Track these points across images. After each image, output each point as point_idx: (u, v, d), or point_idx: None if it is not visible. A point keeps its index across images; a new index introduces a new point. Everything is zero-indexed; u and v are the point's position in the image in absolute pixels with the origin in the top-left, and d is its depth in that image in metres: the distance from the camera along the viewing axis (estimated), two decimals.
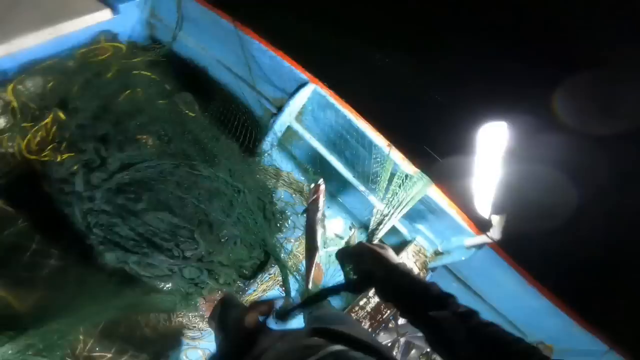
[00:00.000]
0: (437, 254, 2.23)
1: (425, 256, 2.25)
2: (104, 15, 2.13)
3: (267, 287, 2.29)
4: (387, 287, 0.83)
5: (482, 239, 1.84)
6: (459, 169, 1.46)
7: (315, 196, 1.29)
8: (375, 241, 1.53)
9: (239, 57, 1.93)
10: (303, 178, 2.46)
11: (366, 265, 0.88)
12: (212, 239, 1.82)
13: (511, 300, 2.27)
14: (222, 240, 1.90)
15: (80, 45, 2.12)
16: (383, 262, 0.84)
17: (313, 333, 0.88)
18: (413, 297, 0.77)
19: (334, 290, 0.91)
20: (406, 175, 1.77)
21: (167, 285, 1.75)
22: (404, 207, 1.76)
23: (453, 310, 0.73)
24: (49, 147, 1.79)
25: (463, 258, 2.01)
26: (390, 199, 1.80)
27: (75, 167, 1.71)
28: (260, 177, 2.30)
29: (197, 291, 1.80)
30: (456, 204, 1.85)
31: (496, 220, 1.64)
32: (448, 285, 2.49)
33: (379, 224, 1.98)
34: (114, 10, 2.13)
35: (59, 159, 1.73)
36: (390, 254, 0.87)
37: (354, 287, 0.89)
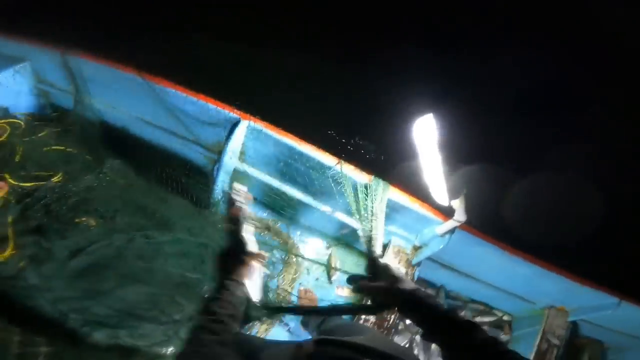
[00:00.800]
0: (416, 248, 2.24)
1: (406, 254, 2.25)
2: None
3: (267, 326, 2.25)
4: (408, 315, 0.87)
5: (451, 223, 1.86)
6: (405, 167, 1.46)
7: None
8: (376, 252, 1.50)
9: (158, 109, 1.83)
10: (266, 214, 2.39)
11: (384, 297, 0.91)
12: (194, 297, 1.82)
13: (502, 273, 2.36)
14: (205, 295, 1.88)
15: None
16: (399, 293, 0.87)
17: (316, 344, 0.90)
18: (436, 322, 0.81)
19: (347, 310, 1.00)
20: (365, 185, 1.75)
21: (170, 349, 1.71)
22: (380, 213, 1.74)
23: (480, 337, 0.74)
24: None
25: (441, 246, 2.02)
26: (362, 212, 1.78)
27: (21, 263, 1.70)
28: (223, 226, 2.24)
29: None
30: (417, 198, 1.86)
31: (456, 204, 1.66)
32: (437, 274, 2.51)
33: (370, 240, 1.95)
34: None
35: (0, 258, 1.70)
36: (406, 284, 0.90)
37: (368, 311, 0.90)
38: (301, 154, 1.82)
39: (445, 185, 1.54)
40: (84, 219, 1.90)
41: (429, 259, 2.39)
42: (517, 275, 2.28)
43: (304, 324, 2.18)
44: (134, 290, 1.76)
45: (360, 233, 1.83)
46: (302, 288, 2.36)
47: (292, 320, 2.24)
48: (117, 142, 2.07)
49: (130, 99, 1.93)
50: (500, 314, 2.73)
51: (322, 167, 1.82)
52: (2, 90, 1.98)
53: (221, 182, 2.09)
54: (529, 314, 2.58)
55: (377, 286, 0.91)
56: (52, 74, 2.07)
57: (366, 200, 1.71)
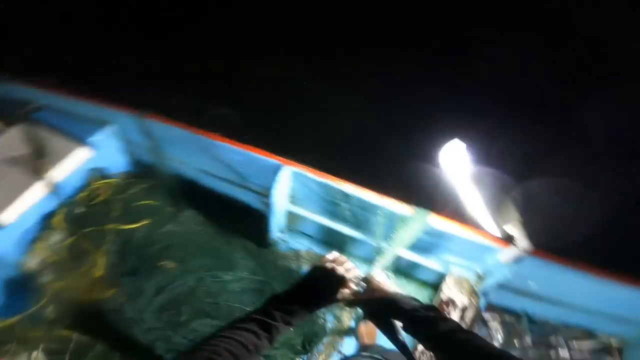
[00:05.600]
0: (481, 277, 2.07)
1: (469, 284, 2.08)
2: (85, 154, 2.28)
3: (326, 356, 2.24)
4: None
5: (512, 250, 1.70)
6: (446, 195, 1.41)
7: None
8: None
9: (215, 162, 2.06)
10: (322, 251, 2.45)
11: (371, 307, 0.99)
12: None
13: (594, 296, 2.04)
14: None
15: (76, 189, 2.36)
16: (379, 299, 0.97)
17: None
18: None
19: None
20: (403, 216, 1.74)
21: None
22: (406, 240, 1.70)
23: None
24: (95, 287, 2.16)
25: (507, 274, 1.84)
26: (393, 239, 1.76)
27: (122, 299, 2.08)
28: (282, 264, 2.39)
29: None
30: (468, 225, 1.76)
31: (511, 229, 1.52)
32: (515, 301, 2.29)
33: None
34: (91, 146, 2.26)
35: (107, 295, 2.12)
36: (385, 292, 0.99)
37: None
38: (342, 193, 1.88)
39: (490, 211, 1.44)
40: (164, 262, 2.23)
41: (501, 286, 2.19)
42: (613, 298, 1.96)
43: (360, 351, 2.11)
44: (204, 322, 2.03)
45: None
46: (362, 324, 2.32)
47: (350, 349, 2.21)
48: (189, 193, 2.40)
49: (193, 154, 2.18)
50: (605, 339, 2.32)
51: (362, 203, 1.85)
52: (100, 153, 2.33)
53: (276, 224, 2.24)
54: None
55: (358, 298, 1.01)
56: (133, 135, 2.30)
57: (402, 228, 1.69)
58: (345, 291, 1.03)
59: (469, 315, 2.02)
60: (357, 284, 1.06)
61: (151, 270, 2.19)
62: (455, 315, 2.01)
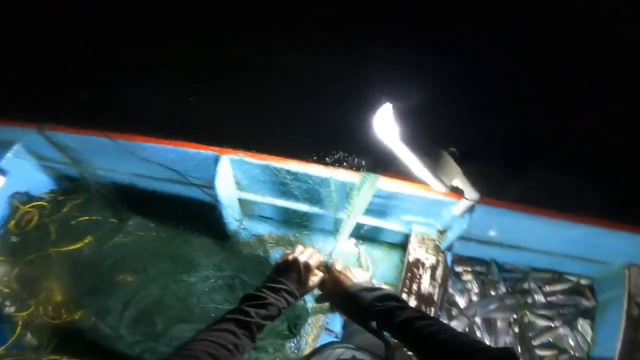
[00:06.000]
0: (441, 232, 2.08)
1: (432, 240, 2.10)
2: None
3: (315, 335, 2.27)
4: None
5: (464, 202, 1.69)
6: (389, 157, 1.34)
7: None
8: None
9: (147, 163, 1.89)
10: (284, 231, 2.38)
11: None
12: None
13: (553, 238, 2.09)
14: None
15: (1, 219, 2.21)
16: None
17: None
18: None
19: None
20: (353, 184, 1.68)
21: None
22: (361, 206, 1.67)
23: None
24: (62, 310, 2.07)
25: (465, 226, 1.86)
26: (349, 207, 1.72)
27: (92, 319, 2.00)
28: (247, 252, 2.31)
29: None
30: (417, 184, 1.73)
31: (458, 182, 1.48)
32: (481, 250, 2.34)
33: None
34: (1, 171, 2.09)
35: (76, 317, 2.05)
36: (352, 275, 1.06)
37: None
38: (287, 171, 1.78)
39: (432, 168, 1.39)
40: (122, 276, 2.11)
41: (464, 238, 2.22)
42: (572, 238, 2.00)
43: (344, 327, 2.15)
44: (181, 328, 1.95)
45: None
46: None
47: (336, 326, 2.24)
48: (129, 200, 2.22)
49: (121, 160, 1.98)
50: (574, 279, 2.39)
51: (310, 178, 1.77)
52: (14, 176, 2.13)
53: (230, 214, 2.13)
54: (608, 275, 2.24)
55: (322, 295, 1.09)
56: (45, 150, 2.10)
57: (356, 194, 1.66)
58: (314, 279, 1.05)
59: (439, 272, 2.04)
60: (323, 270, 1.09)
61: (111, 286, 2.07)
62: (426, 277, 2.02)
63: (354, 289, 0.99)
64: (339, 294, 1.02)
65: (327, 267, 1.09)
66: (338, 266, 1.10)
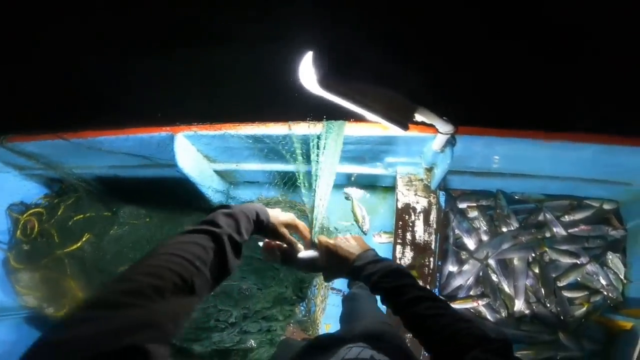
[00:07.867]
0: (429, 170, 1.92)
1: (420, 180, 1.95)
2: None
3: (322, 297, 2.30)
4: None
5: (440, 137, 1.52)
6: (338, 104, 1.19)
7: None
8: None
9: (113, 154, 1.85)
10: (273, 193, 2.34)
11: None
12: (232, 300, 2.03)
13: (558, 161, 1.84)
14: (247, 293, 2.05)
15: (7, 232, 2.31)
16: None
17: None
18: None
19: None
20: (318, 136, 1.56)
21: (249, 343, 1.99)
22: (334, 155, 1.56)
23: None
24: None
25: (449, 160, 1.69)
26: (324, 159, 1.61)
27: None
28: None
29: (273, 334, 2.02)
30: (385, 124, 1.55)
31: (424, 117, 1.31)
32: (482, 182, 2.13)
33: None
34: None
35: None
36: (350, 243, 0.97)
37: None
38: (245, 136, 1.68)
39: (389, 107, 1.22)
40: (122, 268, 2.17)
41: (458, 172, 2.06)
42: (579, 159, 1.76)
43: (349, 286, 2.15)
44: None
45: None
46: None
47: (342, 285, 2.24)
48: (113, 192, 2.24)
49: (88, 157, 1.95)
50: (596, 204, 2.09)
51: (272, 138, 1.66)
52: (5, 188, 2.20)
53: (210, 188, 2.09)
54: (634, 197, 1.96)
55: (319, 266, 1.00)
56: (18, 160, 2.08)
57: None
58: (305, 253, 1.00)
59: (433, 216, 1.89)
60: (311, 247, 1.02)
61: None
62: (419, 223, 1.88)
63: (358, 263, 0.90)
64: (343, 270, 0.94)
65: (314, 244, 1.01)
66: (326, 240, 0.99)
